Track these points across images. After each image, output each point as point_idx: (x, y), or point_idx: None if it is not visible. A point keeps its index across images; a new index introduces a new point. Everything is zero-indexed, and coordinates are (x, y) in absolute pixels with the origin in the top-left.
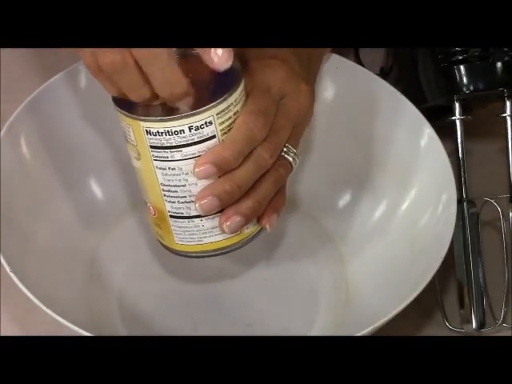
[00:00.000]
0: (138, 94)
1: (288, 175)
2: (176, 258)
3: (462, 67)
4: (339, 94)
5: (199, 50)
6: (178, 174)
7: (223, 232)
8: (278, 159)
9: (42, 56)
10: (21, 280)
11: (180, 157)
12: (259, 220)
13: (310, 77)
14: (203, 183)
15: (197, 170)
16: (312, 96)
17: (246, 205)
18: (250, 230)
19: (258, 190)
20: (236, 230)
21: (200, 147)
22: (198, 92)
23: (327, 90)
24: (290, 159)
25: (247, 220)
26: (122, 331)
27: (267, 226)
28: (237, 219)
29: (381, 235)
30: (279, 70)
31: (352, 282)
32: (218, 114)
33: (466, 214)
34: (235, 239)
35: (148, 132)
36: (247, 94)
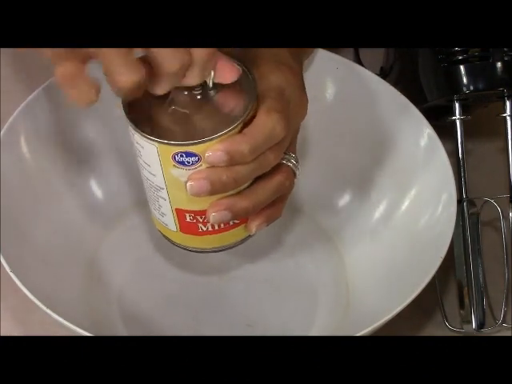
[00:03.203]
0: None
1: (291, 185)
2: (175, 259)
3: (461, 67)
4: (339, 94)
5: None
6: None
7: (207, 220)
8: (280, 167)
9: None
10: (21, 280)
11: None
12: (248, 223)
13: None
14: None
15: (209, 153)
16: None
17: (241, 205)
18: (236, 236)
19: (256, 194)
20: (219, 223)
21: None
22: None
23: (327, 90)
24: (292, 165)
25: (234, 218)
26: (122, 331)
27: (253, 230)
28: (225, 214)
29: (381, 235)
30: (289, 75)
31: (352, 282)
32: None
33: (466, 214)
34: (223, 241)
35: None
36: (263, 95)
